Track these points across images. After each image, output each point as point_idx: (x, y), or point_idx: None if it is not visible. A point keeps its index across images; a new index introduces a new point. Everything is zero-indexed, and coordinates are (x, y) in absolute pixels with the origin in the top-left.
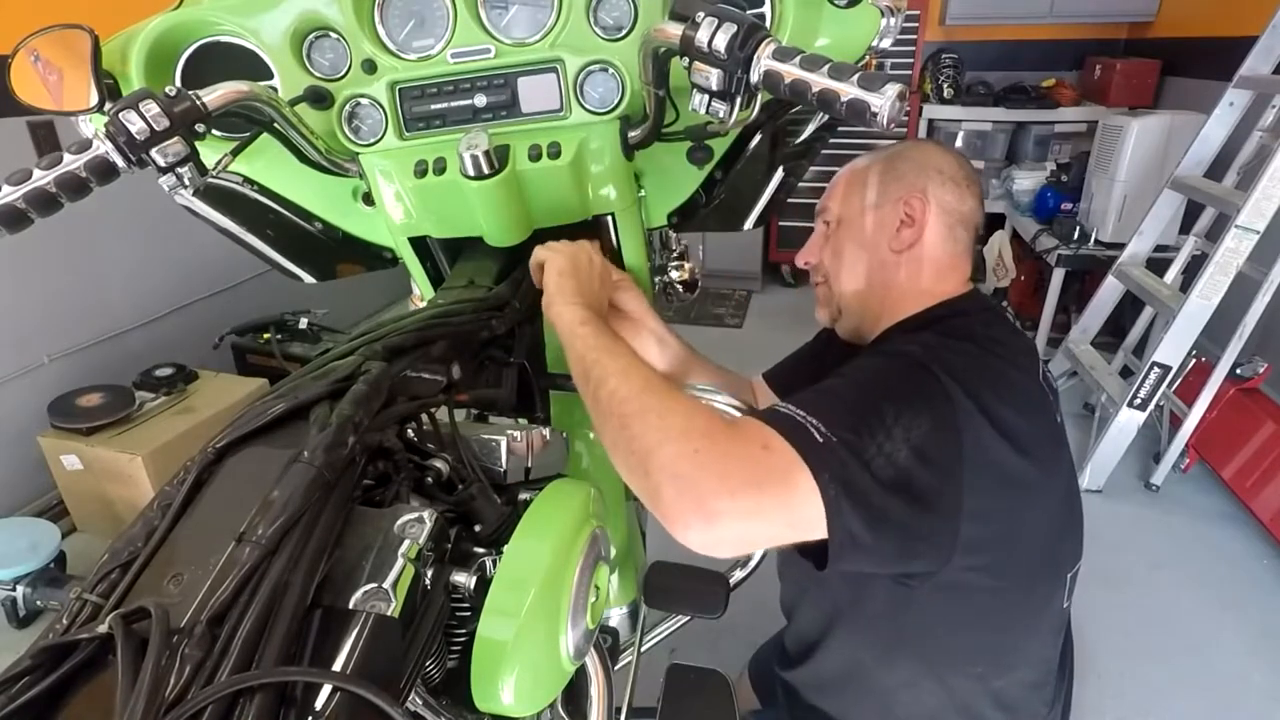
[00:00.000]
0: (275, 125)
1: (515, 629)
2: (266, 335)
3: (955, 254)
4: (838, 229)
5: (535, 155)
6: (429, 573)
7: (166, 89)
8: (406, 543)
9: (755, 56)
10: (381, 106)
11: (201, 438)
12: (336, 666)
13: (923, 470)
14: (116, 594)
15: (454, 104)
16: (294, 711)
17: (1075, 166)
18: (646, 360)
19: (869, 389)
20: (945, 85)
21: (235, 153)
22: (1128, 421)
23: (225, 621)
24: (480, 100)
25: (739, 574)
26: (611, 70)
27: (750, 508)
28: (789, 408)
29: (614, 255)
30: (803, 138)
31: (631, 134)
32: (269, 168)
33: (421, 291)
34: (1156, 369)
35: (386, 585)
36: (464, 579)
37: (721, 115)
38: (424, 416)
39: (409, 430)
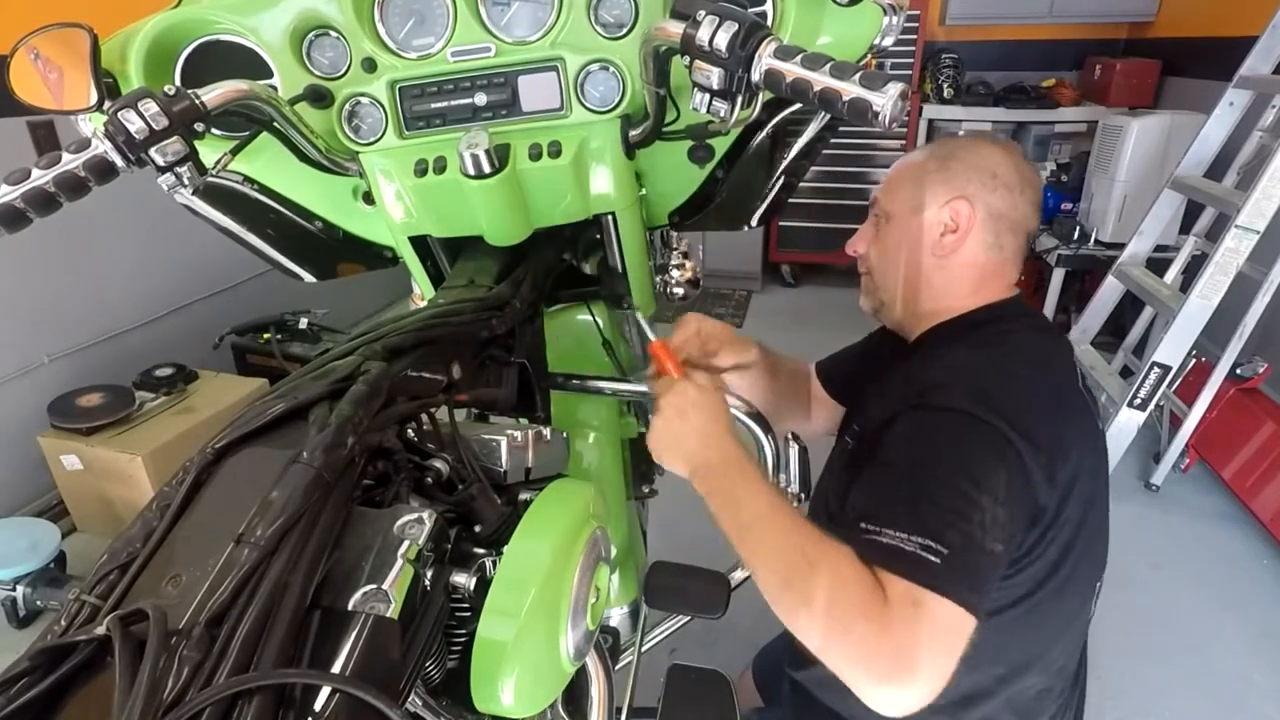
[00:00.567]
0: (275, 124)
1: (515, 629)
2: (266, 335)
3: (1000, 260)
4: (886, 224)
5: (536, 154)
6: (429, 573)
7: (166, 88)
8: (406, 543)
9: (756, 55)
10: (381, 105)
11: (201, 438)
12: (335, 668)
13: (1020, 514)
14: (115, 595)
15: (454, 103)
16: (293, 713)
17: (1075, 166)
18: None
19: (943, 473)
20: (945, 85)
21: (235, 152)
22: (1128, 421)
23: (224, 623)
24: (480, 99)
25: (740, 574)
26: (612, 69)
27: (925, 659)
28: (890, 535)
29: (614, 255)
30: (804, 137)
31: (632, 133)
32: (269, 167)
33: (422, 291)
34: (1156, 369)
35: (386, 586)
36: (464, 579)
37: (722, 114)
38: (424, 416)
39: (409, 430)
